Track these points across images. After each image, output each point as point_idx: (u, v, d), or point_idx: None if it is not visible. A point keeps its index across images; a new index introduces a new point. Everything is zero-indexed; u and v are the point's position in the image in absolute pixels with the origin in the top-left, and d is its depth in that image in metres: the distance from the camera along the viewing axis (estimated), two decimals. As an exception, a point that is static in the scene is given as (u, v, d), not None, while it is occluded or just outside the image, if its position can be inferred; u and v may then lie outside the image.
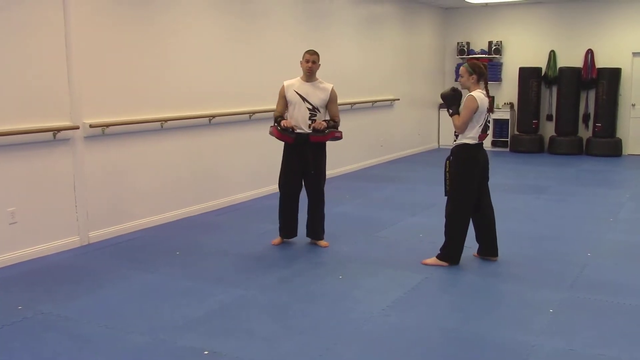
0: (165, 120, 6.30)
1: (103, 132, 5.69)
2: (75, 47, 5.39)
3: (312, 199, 5.48)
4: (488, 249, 5.09)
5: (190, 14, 6.59)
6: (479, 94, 4.79)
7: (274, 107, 7.50)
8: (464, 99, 4.85)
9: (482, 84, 4.88)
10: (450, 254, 4.93)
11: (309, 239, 5.61)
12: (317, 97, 5.28)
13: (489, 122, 4.94)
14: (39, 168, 5.23)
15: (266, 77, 7.59)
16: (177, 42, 6.44)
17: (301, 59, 5.33)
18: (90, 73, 5.55)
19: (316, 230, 5.54)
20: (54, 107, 5.29)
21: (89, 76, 5.54)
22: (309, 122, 5.25)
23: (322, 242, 5.53)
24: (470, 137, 4.79)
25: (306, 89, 5.27)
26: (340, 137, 5.36)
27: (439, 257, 4.97)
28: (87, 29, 5.49)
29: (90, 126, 5.55)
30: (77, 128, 5.45)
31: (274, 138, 5.41)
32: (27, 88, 5.07)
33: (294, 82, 5.34)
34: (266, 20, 7.66)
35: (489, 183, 5.01)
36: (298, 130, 5.26)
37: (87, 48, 5.50)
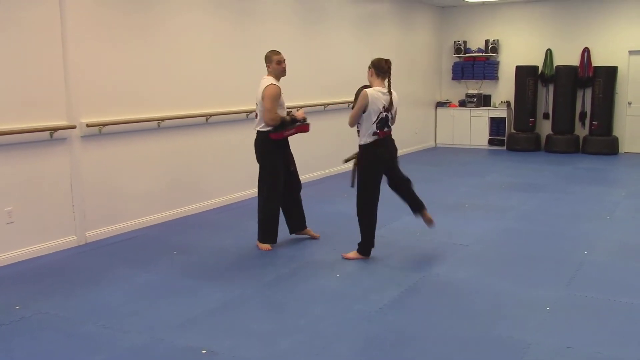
0: (162, 120, 6.30)
1: (100, 131, 5.69)
2: (72, 46, 5.39)
3: (297, 192, 5.56)
4: (416, 206, 5.27)
5: (187, 13, 6.58)
6: (373, 91, 4.90)
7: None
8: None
9: (383, 79, 4.99)
10: (366, 247, 5.09)
11: (301, 238, 5.64)
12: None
13: (391, 119, 5.04)
14: (35, 167, 5.23)
15: (263, 76, 7.58)
16: (173, 42, 6.44)
17: (270, 62, 5.33)
18: (86, 72, 5.54)
19: (304, 220, 5.64)
20: (50, 107, 5.29)
21: (86, 75, 5.54)
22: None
23: (312, 231, 5.68)
24: (366, 135, 4.91)
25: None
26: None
27: (359, 251, 5.11)
28: (83, 28, 5.49)
29: (87, 125, 5.55)
30: (74, 127, 5.45)
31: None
32: (23, 87, 5.07)
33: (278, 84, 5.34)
34: (263, 19, 7.66)
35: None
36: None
37: (83, 47, 5.50)
